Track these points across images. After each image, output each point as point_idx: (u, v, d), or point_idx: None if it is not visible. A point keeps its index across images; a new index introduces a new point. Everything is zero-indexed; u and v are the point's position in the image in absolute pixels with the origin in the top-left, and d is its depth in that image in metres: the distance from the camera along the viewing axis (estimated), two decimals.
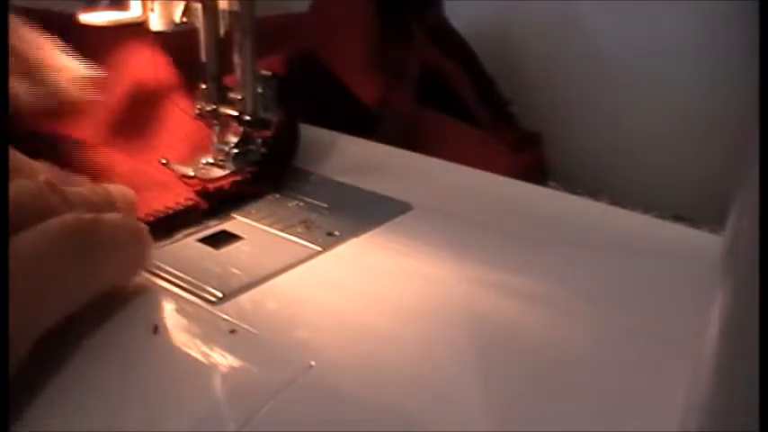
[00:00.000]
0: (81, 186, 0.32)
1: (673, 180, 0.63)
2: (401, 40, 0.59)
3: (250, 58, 0.40)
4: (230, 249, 0.35)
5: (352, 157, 0.48)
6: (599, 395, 0.26)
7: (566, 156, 0.65)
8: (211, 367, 0.27)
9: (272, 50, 0.51)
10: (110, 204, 0.32)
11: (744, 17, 0.55)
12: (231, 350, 0.28)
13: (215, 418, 0.24)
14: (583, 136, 0.68)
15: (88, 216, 0.28)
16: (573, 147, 0.67)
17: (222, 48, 0.41)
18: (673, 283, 0.33)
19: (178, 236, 0.36)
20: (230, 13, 0.40)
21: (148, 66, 0.44)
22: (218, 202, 0.38)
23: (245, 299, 0.31)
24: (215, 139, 0.43)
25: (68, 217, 0.27)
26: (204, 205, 0.38)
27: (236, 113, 0.42)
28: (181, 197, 0.37)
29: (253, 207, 0.40)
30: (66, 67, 0.39)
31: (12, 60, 0.37)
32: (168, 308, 0.30)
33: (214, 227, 0.37)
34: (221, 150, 0.42)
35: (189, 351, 0.28)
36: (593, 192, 0.56)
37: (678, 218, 0.50)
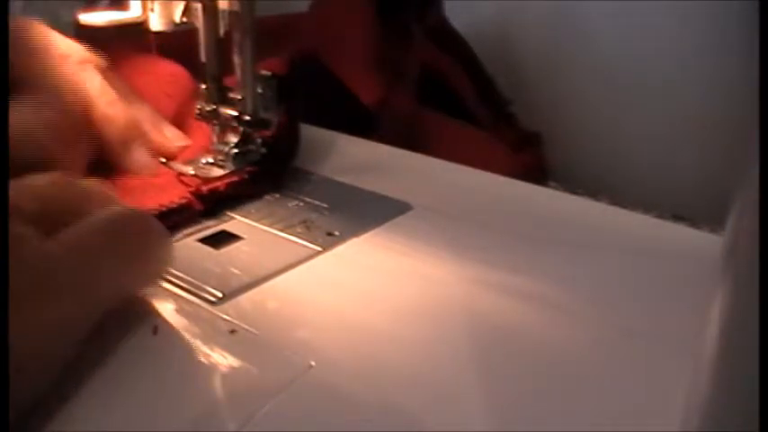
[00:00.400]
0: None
1: (673, 180, 0.63)
2: (401, 41, 0.59)
3: (250, 58, 0.40)
4: (230, 249, 0.35)
5: (352, 157, 0.48)
6: (599, 395, 0.26)
7: (566, 156, 0.65)
8: (211, 367, 0.27)
9: (273, 50, 0.51)
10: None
11: (744, 17, 0.55)
12: (231, 350, 0.28)
13: (215, 418, 0.24)
14: (583, 136, 0.68)
15: (116, 209, 0.27)
16: (573, 147, 0.67)
17: (222, 48, 0.41)
18: (673, 283, 0.33)
19: (178, 236, 0.36)
20: (230, 13, 0.40)
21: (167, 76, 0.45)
22: (214, 202, 0.38)
23: (245, 299, 0.31)
24: (215, 139, 0.43)
25: (116, 210, 0.27)
26: (199, 206, 0.37)
27: (236, 113, 0.41)
28: (175, 196, 0.37)
29: (253, 207, 0.40)
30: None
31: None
32: (168, 308, 0.30)
33: (214, 227, 0.37)
34: (221, 150, 0.42)
35: (189, 351, 0.28)
36: (593, 192, 0.56)
37: (678, 218, 0.50)
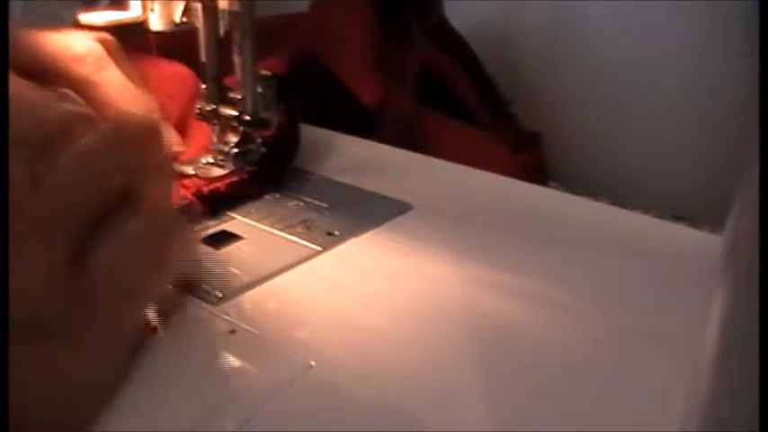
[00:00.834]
0: None
1: (673, 180, 0.63)
2: (401, 41, 0.59)
3: (250, 58, 0.40)
4: (230, 249, 0.35)
5: (352, 157, 0.48)
6: (599, 395, 0.26)
7: (566, 156, 0.65)
8: (211, 367, 0.27)
9: (273, 50, 0.51)
10: None
11: (744, 17, 0.55)
12: (231, 350, 0.28)
13: (215, 418, 0.24)
14: (583, 136, 0.68)
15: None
16: (573, 147, 0.67)
17: (222, 48, 0.41)
18: (673, 283, 0.33)
19: None
20: (230, 13, 0.40)
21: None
22: (215, 203, 0.38)
23: (245, 299, 0.31)
24: (215, 139, 0.42)
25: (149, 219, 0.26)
26: (200, 206, 0.37)
27: (236, 113, 0.41)
28: (176, 198, 0.36)
29: (253, 207, 0.40)
30: None
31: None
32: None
33: (214, 227, 0.37)
34: (221, 150, 0.42)
35: (189, 351, 0.28)
36: (593, 192, 0.56)
37: (678, 218, 0.50)
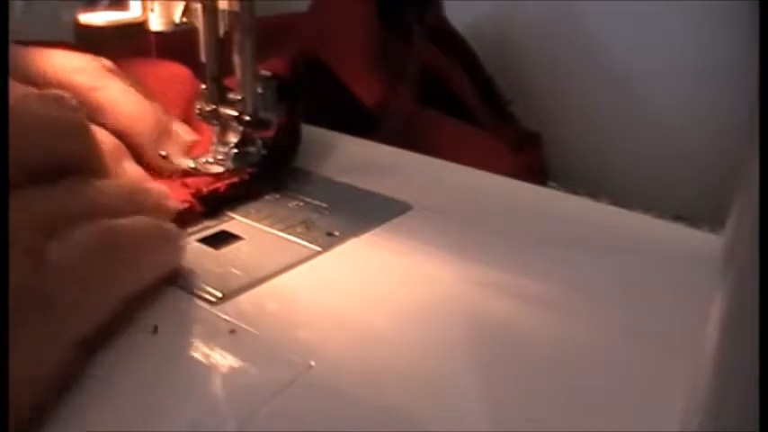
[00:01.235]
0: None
1: (673, 180, 0.63)
2: (401, 41, 0.59)
3: (250, 58, 0.40)
4: (230, 249, 0.35)
5: (352, 157, 0.48)
6: (599, 395, 0.26)
7: (566, 156, 0.65)
8: (211, 367, 0.27)
9: (273, 50, 0.51)
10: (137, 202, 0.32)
11: (744, 17, 0.55)
12: (231, 350, 0.28)
13: (215, 417, 0.24)
14: (583, 136, 0.68)
15: (107, 225, 0.27)
16: (573, 147, 0.67)
17: (222, 48, 0.41)
18: (673, 283, 0.33)
19: None
20: (230, 13, 0.40)
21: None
22: (214, 203, 0.38)
23: (245, 299, 0.31)
24: (215, 139, 0.42)
25: (91, 229, 0.26)
26: (200, 208, 0.37)
27: (236, 113, 0.41)
28: (176, 200, 0.36)
29: (253, 207, 0.40)
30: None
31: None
32: (168, 308, 0.30)
33: (214, 227, 0.37)
34: (221, 150, 0.42)
35: (189, 351, 0.28)
36: (593, 192, 0.56)
37: (678, 218, 0.50)
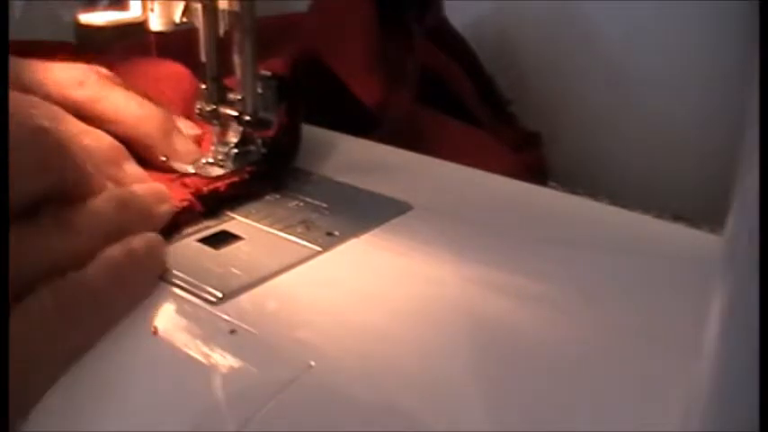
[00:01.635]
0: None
1: (673, 180, 0.63)
2: (401, 41, 0.59)
3: (250, 58, 0.40)
4: (230, 249, 0.35)
5: (352, 157, 0.48)
6: (598, 395, 0.26)
7: (566, 156, 0.65)
8: (211, 367, 0.27)
9: (273, 51, 0.51)
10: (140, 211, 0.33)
11: (744, 17, 0.55)
12: (231, 350, 0.28)
13: (215, 418, 0.24)
14: (583, 136, 0.68)
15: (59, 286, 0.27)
16: (573, 147, 0.67)
17: (222, 48, 0.41)
18: (672, 283, 0.33)
19: (178, 236, 0.36)
20: (230, 13, 0.40)
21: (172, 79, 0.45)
22: (215, 203, 0.38)
23: (245, 299, 0.31)
24: (215, 139, 0.43)
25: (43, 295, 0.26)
26: (199, 207, 0.38)
27: (236, 113, 0.41)
28: (176, 199, 0.36)
29: (253, 207, 0.40)
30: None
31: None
32: (168, 308, 0.30)
33: (214, 227, 0.37)
34: (221, 150, 0.42)
35: (189, 351, 0.28)
36: (593, 192, 0.56)
37: (678, 218, 0.50)
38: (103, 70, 0.40)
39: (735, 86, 0.54)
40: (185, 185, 0.38)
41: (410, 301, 0.32)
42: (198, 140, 0.43)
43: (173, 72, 0.45)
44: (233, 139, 0.42)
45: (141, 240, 0.31)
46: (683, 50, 0.61)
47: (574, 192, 0.50)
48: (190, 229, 0.37)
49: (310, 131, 0.47)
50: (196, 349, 0.28)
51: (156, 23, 0.41)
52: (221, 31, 0.41)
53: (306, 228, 0.38)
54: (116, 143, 0.36)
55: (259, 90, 0.41)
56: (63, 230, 0.28)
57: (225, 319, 0.29)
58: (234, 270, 0.33)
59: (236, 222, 0.38)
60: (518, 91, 0.67)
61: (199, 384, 0.26)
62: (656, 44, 0.62)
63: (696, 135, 0.61)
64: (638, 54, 0.63)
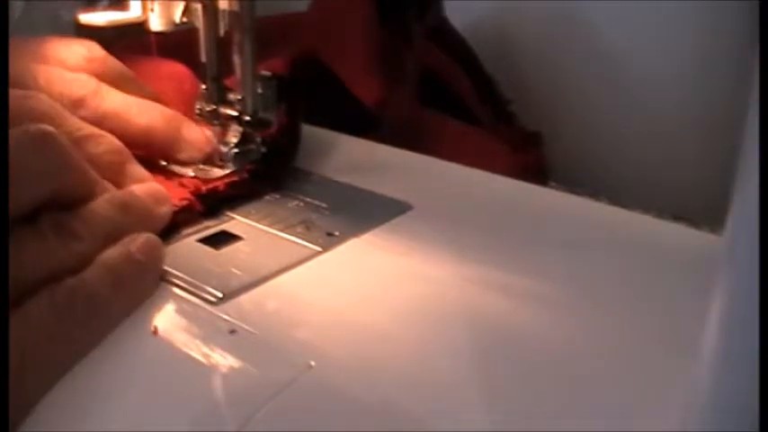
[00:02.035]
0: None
1: (673, 180, 0.63)
2: (401, 41, 0.59)
3: (250, 58, 0.40)
4: (230, 249, 0.35)
5: (352, 157, 0.48)
6: (599, 395, 0.26)
7: (566, 156, 0.65)
8: (211, 367, 0.27)
9: (273, 50, 0.51)
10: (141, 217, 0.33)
11: (744, 17, 0.55)
12: (231, 350, 0.28)
13: (215, 418, 0.24)
14: (583, 136, 0.68)
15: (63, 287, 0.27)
16: (573, 147, 0.67)
17: (222, 48, 0.41)
18: (673, 284, 0.33)
19: (178, 236, 0.36)
20: (230, 13, 0.40)
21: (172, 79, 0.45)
22: (214, 202, 0.38)
23: (245, 299, 0.31)
24: (215, 139, 0.43)
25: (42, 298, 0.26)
26: (199, 207, 0.37)
27: (236, 113, 0.42)
28: (175, 199, 0.36)
29: (253, 207, 0.40)
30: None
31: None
32: (168, 308, 0.30)
33: (214, 227, 0.37)
34: (221, 150, 0.42)
35: (189, 351, 0.28)
36: (593, 192, 0.56)
37: (678, 218, 0.50)
38: (112, 60, 0.39)
39: (734, 86, 0.54)
40: (184, 185, 0.38)
41: (410, 301, 0.32)
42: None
43: (173, 72, 0.45)
44: (233, 139, 0.42)
45: (139, 242, 0.31)
46: (682, 50, 0.61)
47: (574, 192, 0.50)
48: (189, 229, 0.37)
49: (310, 131, 0.47)
50: (196, 349, 0.28)
51: (156, 23, 0.41)
52: (221, 31, 0.41)
53: (306, 228, 0.38)
54: (118, 144, 0.36)
55: (259, 90, 0.41)
56: (64, 236, 0.28)
57: (225, 319, 0.29)
58: (234, 270, 0.33)
59: (235, 222, 0.38)
60: (518, 91, 0.67)
61: (199, 384, 0.26)
62: (656, 44, 0.62)
63: (696, 135, 0.61)
64: (638, 53, 0.63)
